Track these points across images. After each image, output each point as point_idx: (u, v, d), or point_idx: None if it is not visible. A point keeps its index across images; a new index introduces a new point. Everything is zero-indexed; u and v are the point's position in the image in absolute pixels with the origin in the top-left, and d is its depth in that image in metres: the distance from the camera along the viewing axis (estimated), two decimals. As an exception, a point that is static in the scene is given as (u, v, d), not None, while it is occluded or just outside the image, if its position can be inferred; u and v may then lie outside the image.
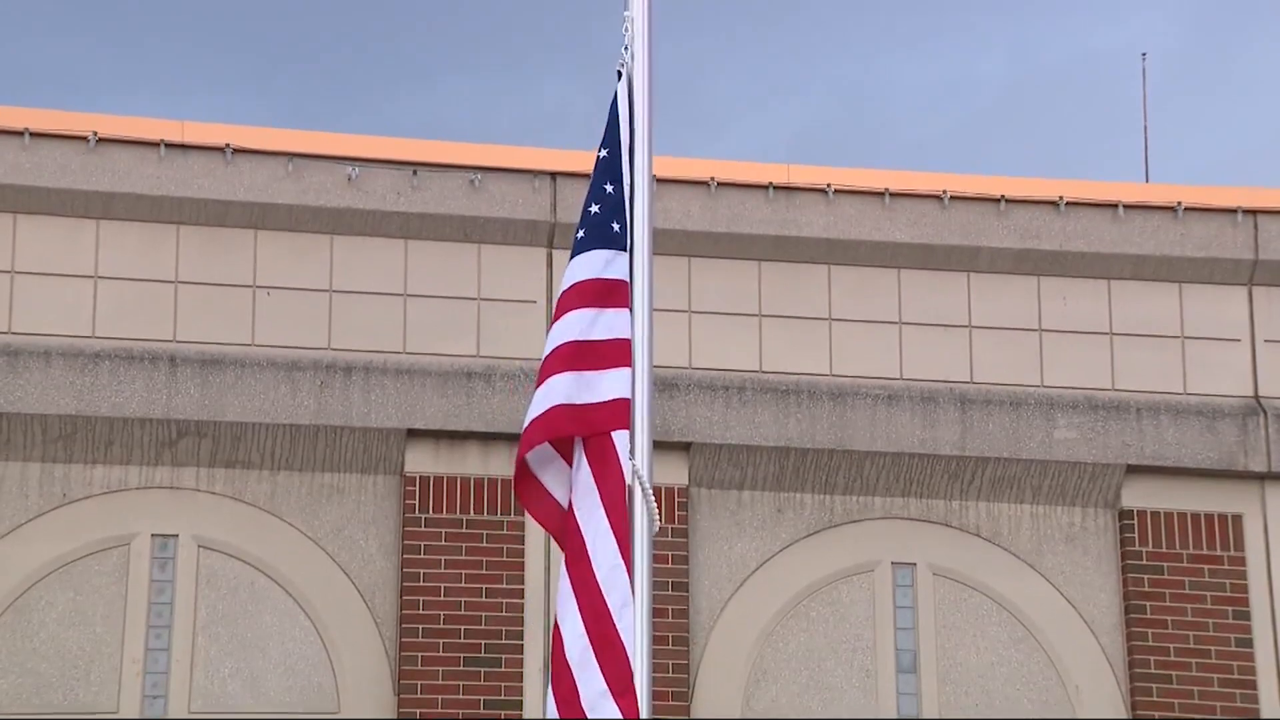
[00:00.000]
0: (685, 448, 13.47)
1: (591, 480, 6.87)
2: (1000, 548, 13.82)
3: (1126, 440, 13.85)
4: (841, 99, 32.78)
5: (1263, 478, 14.04)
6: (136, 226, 13.31)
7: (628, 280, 7.11)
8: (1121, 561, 13.83)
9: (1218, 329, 14.21)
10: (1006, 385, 13.87)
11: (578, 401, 6.92)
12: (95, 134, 13.21)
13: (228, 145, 13.34)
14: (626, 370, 6.97)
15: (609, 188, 7.19)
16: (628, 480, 6.88)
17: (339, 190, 13.41)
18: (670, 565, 13.23)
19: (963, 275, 14.00)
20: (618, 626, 6.73)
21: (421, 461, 13.28)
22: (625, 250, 7.16)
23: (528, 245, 13.62)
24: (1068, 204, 14.09)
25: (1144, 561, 13.79)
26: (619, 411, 6.94)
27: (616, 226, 7.17)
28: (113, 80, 31.74)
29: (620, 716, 6.63)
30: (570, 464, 6.98)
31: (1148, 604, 13.71)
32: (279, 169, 13.40)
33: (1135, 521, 13.84)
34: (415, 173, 13.51)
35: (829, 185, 13.83)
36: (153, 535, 13.14)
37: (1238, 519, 13.99)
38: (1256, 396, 14.14)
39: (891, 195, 13.88)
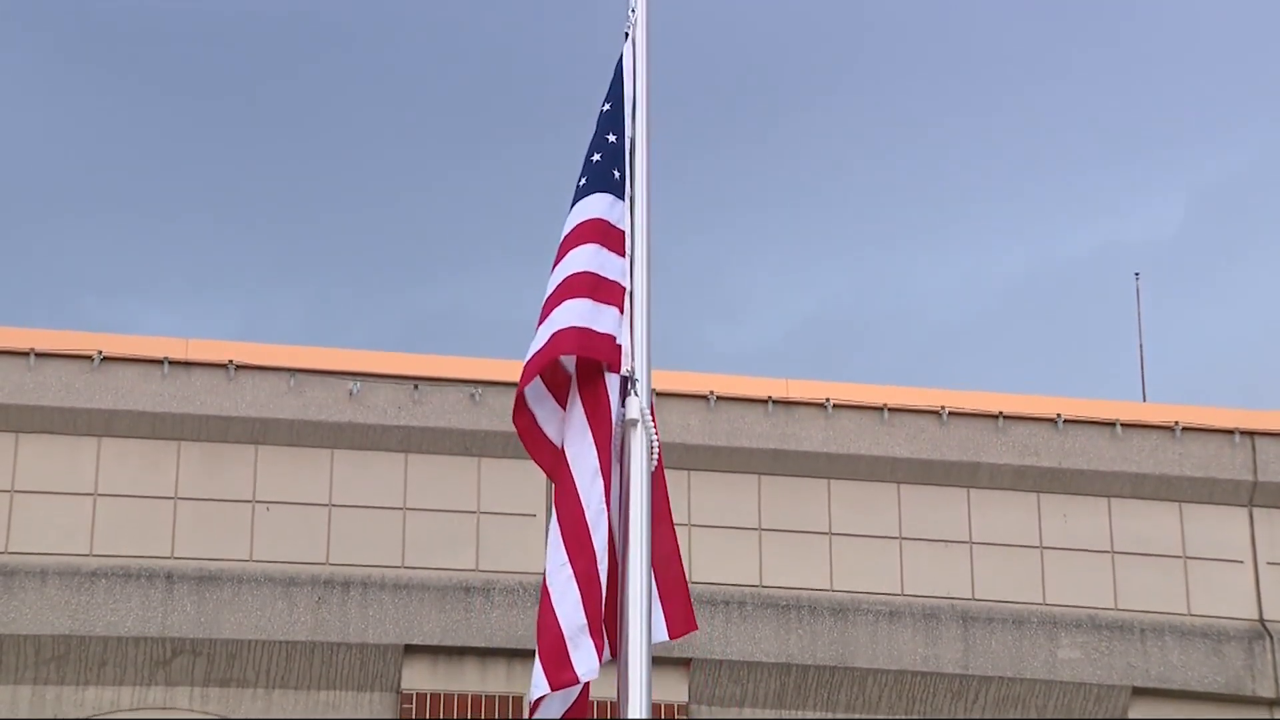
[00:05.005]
0: (685, 664, 13.32)
1: (585, 421, 7.21)
2: (1006, 770, 13.60)
3: (1131, 661, 13.69)
4: (855, 290, 33.15)
5: (1271, 704, 13.87)
6: (137, 443, 13.34)
7: (625, 230, 7.55)
8: (1130, 786, 13.61)
9: (1219, 550, 14.16)
10: (1008, 603, 13.77)
11: (587, 326, 7.31)
12: (100, 353, 13.31)
13: (230, 362, 13.44)
14: (617, 311, 7.39)
15: (611, 138, 7.64)
16: (629, 415, 7.23)
17: (340, 405, 13.48)
18: (670, 784, 13.01)
19: (962, 491, 13.99)
20: (599, 566, 7.05)
21: (419, 678, 13.12)
22: (623, 199, 7.60)
23: (523, 457, 13.59)
24: (1066, 421, 14.14)
25: (1153, 787, 13.56)
26: (614, 350, 7.31)
27: (617, 174, 7.58)
28: (120, 288, 32.19)
29: (594, 652, 6.90)
30: (562, 405, 7.34)
31: (1158, 831, 13.45)
32: (281, 385, 13.47)
33: (1143, 745, 13.64)
34: (416, 387, 13.58)
35: (828, 400, 13.89)
36: (143, 759, 12.94)
37: (1248, 745, 13.80)
38: (1261, 620, 14.03)
39: (890, 410, 13.94)
